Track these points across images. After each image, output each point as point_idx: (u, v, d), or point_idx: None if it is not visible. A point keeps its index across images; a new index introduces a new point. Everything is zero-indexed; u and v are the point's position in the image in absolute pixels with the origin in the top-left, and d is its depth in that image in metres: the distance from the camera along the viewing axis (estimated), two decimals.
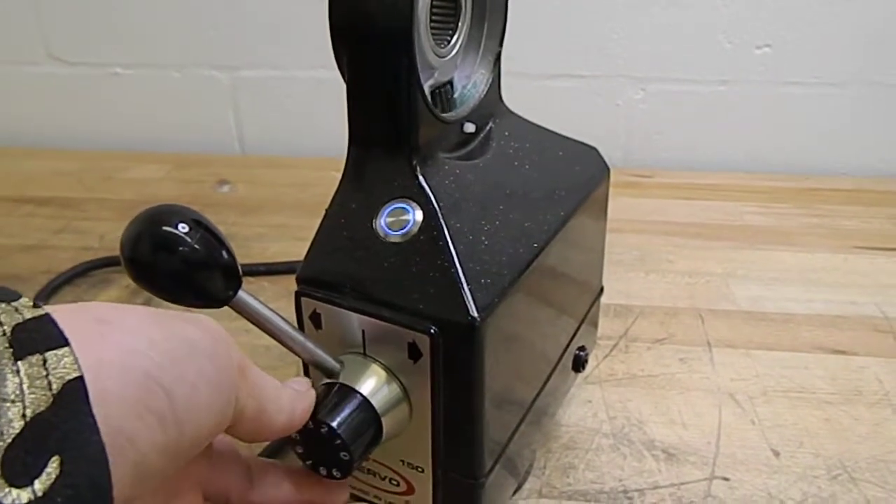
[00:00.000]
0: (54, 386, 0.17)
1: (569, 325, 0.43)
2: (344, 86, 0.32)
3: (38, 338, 0.18)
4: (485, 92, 0.37)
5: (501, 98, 0.40)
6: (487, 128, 0.38)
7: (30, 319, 0.18)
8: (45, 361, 0.18)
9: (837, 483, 0.42)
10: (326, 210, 0.33)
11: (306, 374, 0.36)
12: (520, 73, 0.84)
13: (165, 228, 0.25)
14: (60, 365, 0.18)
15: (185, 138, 0.94)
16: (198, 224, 0.26)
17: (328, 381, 0.31)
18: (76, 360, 0.18)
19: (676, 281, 0.63)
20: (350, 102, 0.32)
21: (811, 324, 0.57)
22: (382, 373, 0.31)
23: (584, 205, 0.40)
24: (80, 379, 0.18)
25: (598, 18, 0.82)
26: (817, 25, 0.80)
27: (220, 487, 0.28)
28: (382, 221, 0.32)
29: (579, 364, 0.44)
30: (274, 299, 0.58)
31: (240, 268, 0.28)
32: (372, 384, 0.31)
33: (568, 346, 0.43)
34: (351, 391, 0.30)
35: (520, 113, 0.41)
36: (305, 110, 0.91)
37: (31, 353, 0.18)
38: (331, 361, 0.31)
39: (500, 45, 0.37)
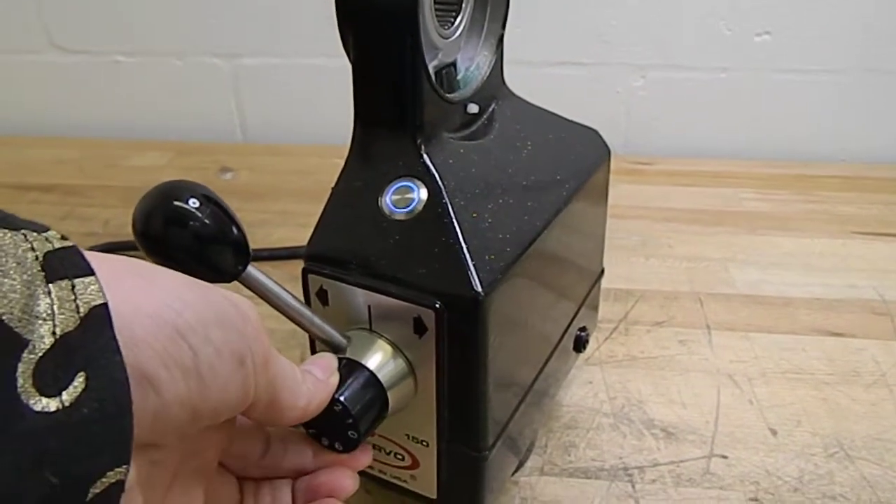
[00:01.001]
0: (81, 309, 0.18)
1: (570, 306, 0.43)
2: (345, 73, 0.33)
3: (68, 265, 0.19)
4: (488, 73, 0.38)
5: (504, 80, 0.40)
6: (490, 109, 0.39)
7: (59, 248, 0.19)
8: (73, 287, 0.18)
9: (834, 460, 0.43)
10: (332, 188, 0.34)
11: (313, 350, 0.36)
12: (520, 61, 0.84)
13: (177, 203, 0.26)
14: (87, 291, 0.18)
15: (186, 126, 0.94)
16: (208, 199, 0.27)
17: (335, 356, 0.32)
18: (101, 289, 0.19)
19: (676, 265, 0.64)
20: (355, 82, 0.33)
21: (809, 307, 0.58)
22: (388, 348, 0.32)
23: (585, 186, 0.40)
24: (105, 306, 0.19)
25: (597, 6, 0.82)
26: (816, 13, 0.80)
27: (238, 453, 0.29)
28: (388, 199, 0.32)
29: (580, 344, 0.45)
30: None
31: (249, 243, 0.28)
32: (378, 359, 0.31)
33: (569, 326, 0.43)
34: (358, 366, 0.31)
35: None
36: (307, 97, 0.91)
37: (61, 278, 0.18)
38: (337, 337, 0.32)
39: (503, 27, 0.38)
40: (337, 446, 0.30)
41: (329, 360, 0.30)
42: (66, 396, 0.17)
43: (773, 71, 0.83)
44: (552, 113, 0.43)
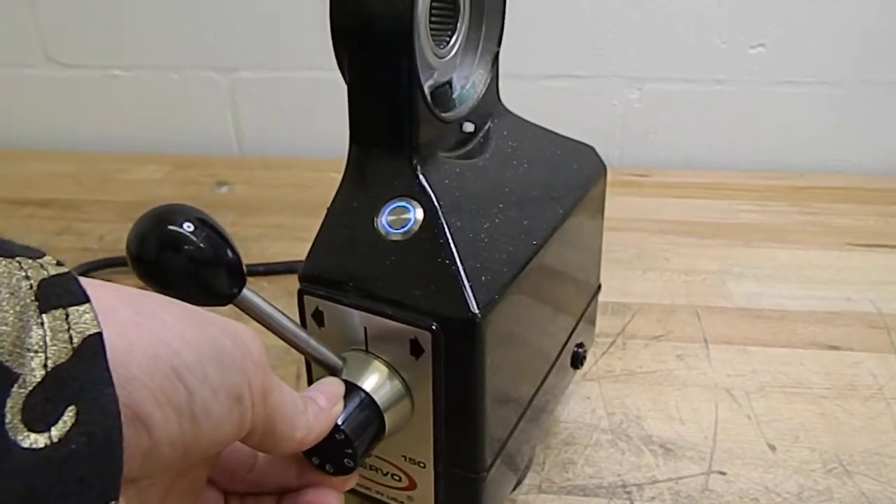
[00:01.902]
0: (75, 340, 0.18)
1: (567, 322, 0.43)
2: (342, 86, 0.33)
3: (62, 293, 0.19)
4: (483, 92, 0.38)
5: (500, 98, 0.40)
6: (486, 127, 0.39)
7: (54, 275, 0.19)
8: (67, 316, 0.18)
9: (833, 476, 0.43)
10: (328, 209, 0.34)
11: (308, 371, 0.36)
12: (516, 74, 0.84)
13: (171, 227, 0.26)
14: (82, 320, 0.18)
15: (183, 139, 0.94)
16: (203, 223, 0.27)
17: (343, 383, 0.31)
18: (95, 317, 0.19)
19: (673, 279, 0.64)
20: (351, 103, 0.33)
21: (806, 320, 0.58)
22: (385, 369, 0.32)
23: (581, 203, 0.40)
24: (99, 335, 0.18)
25: (593, 18, 0.83)
26: (811, 25, 0.81)
27: (225, 468, 0.29)
28: (384, 220, 0.32)
29: (578, 361, 0.45)
30: (273, 299, 0.58)
31: (244, 266, 0.28)
32: (374, 380, 0.31)
33: (566, 343, 0.43)
34: (354, 388, 0.31)
35: (517, 113, 0.42)
36: (303, 111, 0.91)
37: (55, 308, 0.18)
38: (333, 358, 0.31)
39: (499, 45, 0.38)
40: (328, 468, 0.30)
41: (336, 388, 0.30)
42: (55, 432, 0.17)
43: (768, 83, 0.84)
44: (547, 130, 0.43)
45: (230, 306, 0.28)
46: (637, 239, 0.70)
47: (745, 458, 0.44)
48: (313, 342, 0.31)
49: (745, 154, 0.87)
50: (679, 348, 0.55)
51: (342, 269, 0.32)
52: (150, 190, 0.83)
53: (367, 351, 0.32)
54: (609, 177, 0.45)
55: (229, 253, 0.27)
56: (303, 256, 0.34)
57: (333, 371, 0.32)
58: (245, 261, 0.28)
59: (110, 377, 0.18)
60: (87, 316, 0.19)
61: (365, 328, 0.32)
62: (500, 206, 0.35)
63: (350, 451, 0.29)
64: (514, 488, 0.42)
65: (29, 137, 0.96)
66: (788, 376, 0.51)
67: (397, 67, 0.31)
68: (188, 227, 0.26)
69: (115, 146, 0.95)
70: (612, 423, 0.47)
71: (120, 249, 0.27)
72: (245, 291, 0.28)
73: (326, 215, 0.34)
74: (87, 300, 0.19)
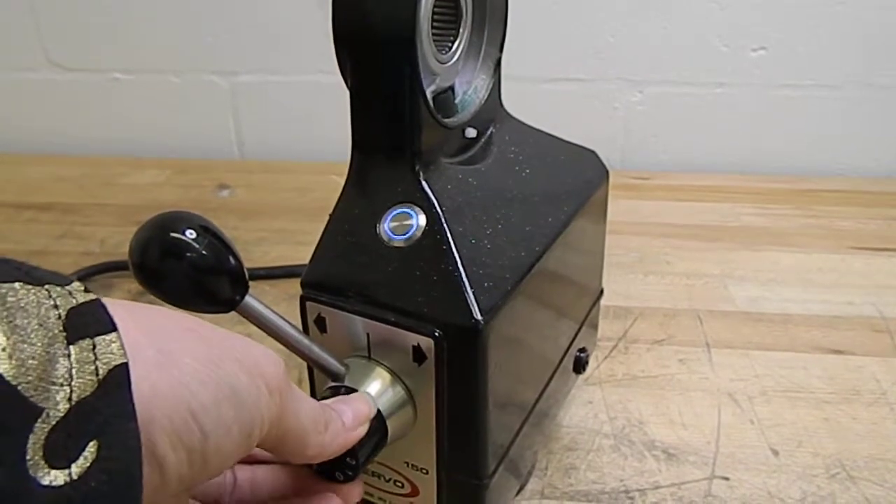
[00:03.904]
0: (101, 371, 0.18)
1: (569, 327, 0.43)
2: (343, 90, 0.33)
3: (90, 321, 0.19)
4: (485, 97, 0.38)
5: (502, 103, 0.40)
6: (488, 133, 0.39)
7: (83, 303, 0.19)
8: (94, 347, 0.18)
9: (836, 482, 0.43)
10: (330, 215, 0.34)
11: (311, 377, 0.36)
12: (518, 78, 0.84)
13: (173, 235, 0.26)
14: (108, 350, 0.18)
15: (184, 143, 0.94)
16: (205, 230, 0.27)
17: (333, 384, 0.31)
18: (122, 346, 0.19)
19: (675, 282, 0.64)
20: (353, 109, 0.33)
21: (809, 324, 0.58)
22: (387, 376, 0.32)
23: (584, 208, 0.40)
24: (125, 366, 0.18)
25: (595, 22, 0.83)
26: (812, 28, 0.81)
27: (209, 491, 0.29)
28: (386, 226, 0.32)
29: (580, 366, 0.45)
30: (275, 303, 0.58)
31: (246, 273, 0.28)
32: (377, 387, 0.31)
33: (569, 348, 0.43)
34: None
35: (519, 117, 0.42)
36: (305, 115, 0.91)
37: (83, 338, 0.18)
38: (336, 365, 0.31)
39: (501, 50, 0.38)
40: (341, 476, 0.30)
41: (366, 409, 0.29)
42: (76, 469, 0.17)
43: (769, 86, 0.84)
44: (550, 135, 0.43)
45: (232, 313, 0.28)
46: (639, 242, 0.70)
47: (748, 464, 0.44)
48: (315, 348, 0.31)
49: (747, 157, 0.87)
50: (681, 352, 0.55)
51: (344, 275, 0.32)
52: (152, 194, 0.83)
53: (369, 357, 0.32)
54: (611, 180, 0.45)
55: (231, 260, 0.27)
56: (304, 260, 0.34)
57: (336, 377, 0.32)
58: (246, 265, 0.28)
59: (133, 411, 0.18)
60: (113, 346, 0.19)
61: (367, 334, 0.32)
62: (503, 211, 0.35)
63: (352, 458, 0.29)
64: (517, 494, 0.42)
65: (30, 141, 0.96)
66: (791, 381, 0.51)
67: (399, 73, 0.31)
68: (190, 234, 0.26)
69: (116, 150, 0.95)
70: (615, 428, 0.47)
71: (121, 253, 0.27)
72: (247, 298, 0.28)
73: (328, 221, 0.34)
74: (113, 328, 0.19)
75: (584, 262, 0.44)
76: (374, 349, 0.32)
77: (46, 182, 0.86)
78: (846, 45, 0.81)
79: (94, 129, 0.95)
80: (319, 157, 0.89)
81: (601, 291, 0.49)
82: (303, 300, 0.33)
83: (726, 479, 0.43)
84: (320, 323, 0.33)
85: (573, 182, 0.41)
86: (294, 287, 0.34)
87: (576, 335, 0.44)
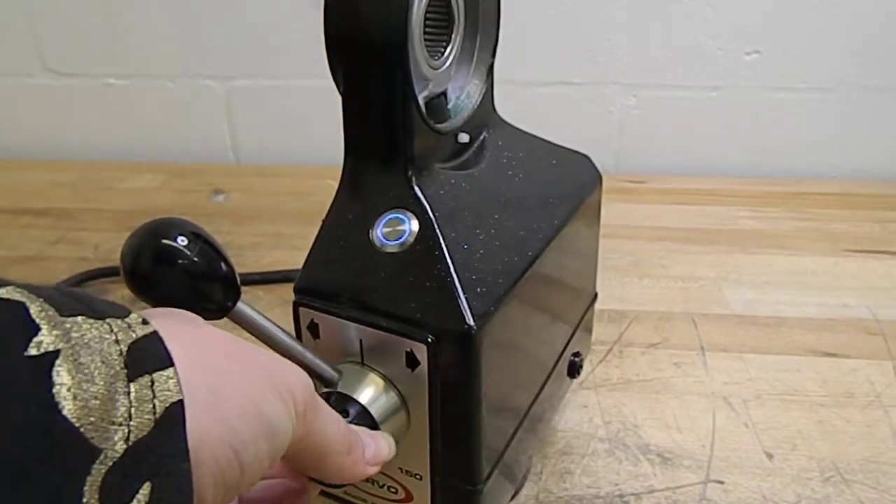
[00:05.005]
0: (158, 409, 0.18)
1: (563, 331, 0.43)
2: (338, 94, 0.33)
3: (149, 357, 0.19)
4: (478, 102, 0.38)
5: (494, 108, 0.40)
6: (481, 138, 0.39)
7: (142, 337, 0.19)
8: (152, 383, 0.18)
9: (830, 485, 0.43)
10: (323, 221, 0.34)
11: None
12: (513, 81, 0.84)
13: (165, 241, 0.26)
14: (165, 387, 0.18)
15: (179, 148, 0.94)
16: (197, 237, 0.26)
17: (327, 390, 0.31)
18: (178, 382, 0.19)
19: (670, 286, 0.64)
20: (346, 114, 0.33)
21: (803, 327, 0.58)
22: (380, 381, 0.32)
23: (577, 212, 0.40)
24: (181, 403, 0.18)
25: (588, 26, 0.83)
26: (806, 31, 0.81)
27: None
28: (379, 232, 0.32)
29: (574, 370, 0.45)
30: (269, 308, 0.59)
31: (238, 279, 0.28)
32: (370, 393, 0.31)
33: (563, 352, 0.43)
34: (349, 400, 0.31)
35: (513, 120, 0.42)
36: (300, 119, 0.91)
37: (142, 375, 0.18)
38: (329, 371, 0.31)
39: (493, 56, 0.38)
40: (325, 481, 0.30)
41: (386, 451, 0.30)
42: None
43: (764, 89, 0.84)
44: (543, 139, 0.43)
45: (224, 319, 0.28)
46: (634, 246, 0.70)
47: (742, 467, 0.44)
48: (309, 354, 0.31)
49: (742, 160, 0.88)
50: (676, 356, 0.55)
51: (337, 281, 0.32)
52: (147, 199, 0.82)
53: (362, 363, 0.32)
54: (605, 184, 0.45)
55: (223, 266, 0.27)
56: (299, 265, 0.34)
57: (329, 383, 0.32)
58: (241, 269, 0.28)
59: (187, 451, 0.18)
60: (170, 382, 0.19)
61: (360, 340, 0.32)
62: (496, 216, 0.35)
63: None
64: (512, 499, 0.42)
65: (25, 146, 0.96)
66: (786, 384, 0.51)
67: (392, 79, 0.31)
68: (182, 240, 0.26)
69: (111, 155, 0.95)
70: (610, 432, 0.47)
71: (116, 259, 0.26)
72: (239, 304, 0.28)
73: (321, 227, 0.34)
74: (171, 363, 0.19)
75: (577, 266, 0.44)
76: (367, 355, 0.32)
77: (41, 187, 0.86)
78: (840, 48, 0.81)
79: (90, 134, 0.95)
80: (315, 161, 0.89)
81: (595, 295, 0.49)
82: (295, 306, 0.33)
83: (721, 482, 0.43)
84: (313, 329, 0.33)
85: (566, 186, 0.41)
86: (289, 292, 0.34)
87: (570, 339, 0.44)
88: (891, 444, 0.46)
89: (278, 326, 0.30)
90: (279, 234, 0.73)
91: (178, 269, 0.26)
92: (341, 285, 0.32)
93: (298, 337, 0.34)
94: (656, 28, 0.82)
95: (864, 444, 0.46)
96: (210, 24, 0.88)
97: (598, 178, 0.44)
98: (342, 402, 0.30)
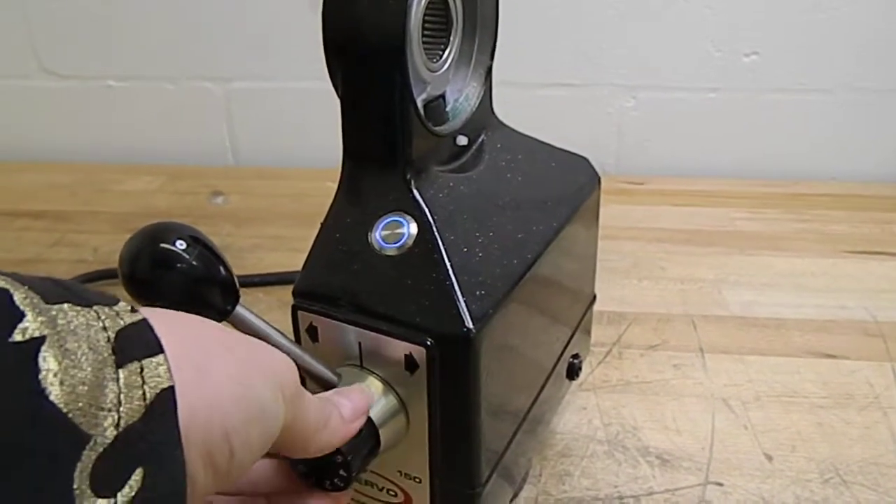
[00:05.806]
0: (148, 396, 0.18)
1: (562, 333, 0.43)
2: (337, 97, 0.33)
3: (137, 344, 0.19)
4: (477, 105, 0.38)
5: (493, 110, 0.40)
6: (480, 140, 0.39)
7: (130, 324, 0.19)
8: (141, 370, 0.18)
9: (830, 486, 0.43)
10: (322, 224, 0.34)
11: (303, 386, 0.36)
12: (512, 83, 0.84)
13: (163, 246, 0.26)
14: (156, 374, 0.18)
15: (178, 150, 0.94)
16: (195, 241, 0.26)
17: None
18: (169, 368, 0.19)
19: (669, 287, 0.64)
20: (344, 117, 0.33)
21: (802, 328, 0.58)
22: (379, 384, 0.32)
23: (575, 214, 0.40)
24: (171, 389, 0.18)
25: (588, 28, 0.83)
26: (804, 33, 0.81)
27: None
28: (378, 235, 0.32)
29: (573, 372, 0.45)
30: (268, 311, 0.59)
31: (237, 283, 0.28)
32: None
33: (562, 354, 0.43)
34: None
35: (512, 122, 0.42)
36: (299, 121, 0.91)
37: (131, 361, 0.18)
38: (328, 374, 0.31)
39: (491, 58, 0.38)
40: (334, 485, 0.30)
41: (364, 403, 0.29)
42: (121, 498, 0.17)
43: (762, 91, 0.84)
44: (541, 142, 0.43)
45: (223, 322, 0.28)
46: (633, 247, 0.70)
47: (741, 469, 0.44)
48: (308, 357, 0.31)
49: (740, 162, 0.88)
50: (675, 358, 0.55)
51: (336, 284, 0.32)
52: (146, 201, 0.82)
53: (361, 366, 0.32)
54: (604, 185, 0.45)
55: (222, 270, 0.27)
56: (298, 267, 0.34)
57: (328, 386, 0.31)
58: (240, 272, 0.28)
59: (179, 437, 0.18)
60: (161, 368, 0.19)
61: (359, 343, 0.32)
62: (494, 219, 0.35)
63: (344, 468, 0.29)
64: (511, 501, 0.42)
65: (24, 149, 0.96)
66: (785, 385, 0.51)
67: (390, 82, 0.31)
68: (180, 244, 0.26)
69: (110, 157, 0.94)
70: (609, 434, 0.47)
71: (115, 261, 0.26)
72: (238, 308, 0.28)
73: (320, 230, 0.34)
74: (160, 350, 0.19)
75: (576, 268, 0.44)
76: (366, 358, 0.32)
77: (39, 189, 0.86)
78: (838, 50, 0.81)
79: (88, 137, 0.95)
80: (314, 163, 0.89)
81: (594, 297, 0.49)
82: (294, 309, 0.33)
83: (720, 484, 0.43)
84: (312, 332, 0.33)
85: (565, 189, 0.41)
86: (288, 295, 0.34)
87: (569, 341, 0.44)
88: (890, 446, 0.46)
89: (277, 330, 0.30)
90: (278, 237, 0.73)
91: (177, 274, 0.26)
92: (340, 288, 0.32)
93: (298, 340, 0.34)
94: (655, 30, 0.82)
95: (863, 445, 0.46)
96: (209, 27, 0.88)
97: (596, 179, 0.44)
98: None
